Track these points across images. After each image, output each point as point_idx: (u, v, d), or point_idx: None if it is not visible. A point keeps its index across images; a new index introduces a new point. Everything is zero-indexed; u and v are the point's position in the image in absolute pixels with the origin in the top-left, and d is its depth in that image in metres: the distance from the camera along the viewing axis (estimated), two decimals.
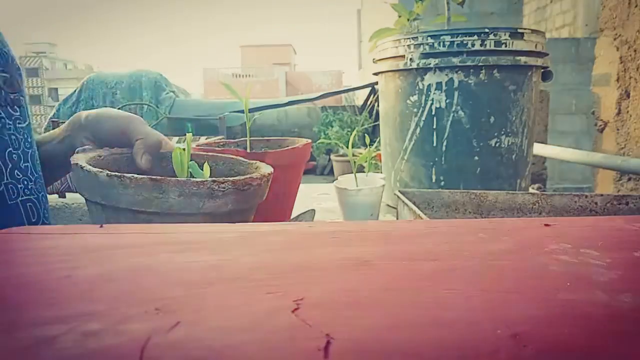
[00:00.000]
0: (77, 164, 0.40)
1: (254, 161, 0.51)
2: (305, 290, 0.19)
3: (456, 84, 0.73)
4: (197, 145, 0.62)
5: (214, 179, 0.39)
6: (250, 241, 0.27)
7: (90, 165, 0.40)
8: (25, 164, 0.51)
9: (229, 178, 0.40)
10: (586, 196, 0.58)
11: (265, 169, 0.47)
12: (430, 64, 0.73)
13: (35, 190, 0.49)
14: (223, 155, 0.54)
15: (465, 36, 0.72)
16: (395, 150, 0.82)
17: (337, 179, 0.73)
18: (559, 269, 0.22)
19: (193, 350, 0.14)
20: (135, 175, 0.37)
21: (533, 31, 0.74)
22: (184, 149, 0.46)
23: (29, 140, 0.54)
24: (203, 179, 0.39)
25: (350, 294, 0.19)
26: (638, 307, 0.18)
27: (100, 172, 0.38)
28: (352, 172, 0.73)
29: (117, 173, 0.38)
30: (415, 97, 0.76)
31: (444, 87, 0.74)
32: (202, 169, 0.47)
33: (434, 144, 0.76)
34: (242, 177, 0.41)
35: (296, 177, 0.63)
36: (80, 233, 0.28)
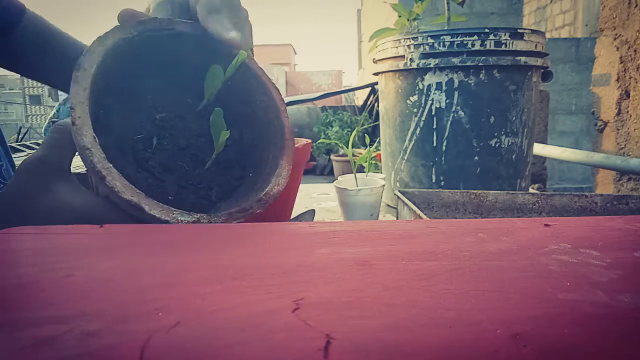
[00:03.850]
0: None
1: None
2: (305, 290, 0.19)
3: (456, 84, 0.73)
4: None
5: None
6: (250, 241, 0.27)
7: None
8: None
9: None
10: (586, 196, 0.58)
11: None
12: (430, 64, 0.73)
13: None
14: None
15: (465, 36, 0.72)
16: (395, 150, 0.82)
17: (337, 179, 0.73)
18: (559, 269, 0.22)
19: (193, 350, 0.14)
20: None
21: (533, 31, 0.74)
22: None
23: None
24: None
25: (350, 294, 0.19)
26: (638, 307, 0.18)
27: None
28: (352, 172, 0.73)
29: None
30: (415, 97, 0.76)
31: (444, 87, 0.74)
32: None
33: (434, 144, 0.76)
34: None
35: (296, 177, 0.63)
36: (80, 233, 0.28)
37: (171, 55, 0.44)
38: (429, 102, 0.75)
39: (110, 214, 0.35)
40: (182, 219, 0.35)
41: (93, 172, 0.33)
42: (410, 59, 0.75)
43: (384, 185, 0.69)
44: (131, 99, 0.43)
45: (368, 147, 0.78)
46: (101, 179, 0.33)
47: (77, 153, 0.38)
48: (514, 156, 0.76)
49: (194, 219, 0.35)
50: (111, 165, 0.34)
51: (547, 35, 4.75)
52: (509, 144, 0.75)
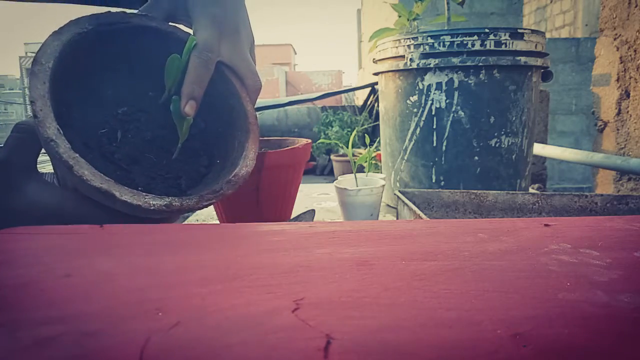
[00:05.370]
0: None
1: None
2: (305, 290, 0.19)
3: (456, 84, 0.73)
4: None
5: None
6: (250, 241, 0.27)
7: None
8: None
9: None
10: (586, 196, 0.58)
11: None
12: (430, 64, 0.73)
13: None
14: None
15: (465, 36, 0.72)
16: (395, 150, 0.82)
17: (337, 179, 0.73)
18: (559, 269, 0.22)
19: (193, 350, 0.14)
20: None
21: (533, 31, 0.74)
22: None
23: None
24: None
25: (350, 294, 0.19)
26: (638, 307, 0.18)
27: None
28: (352, 172, 0.73)
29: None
30: (415, 97, 0.76)
31: (444, 87, 0.74)
32: None
33: (434, 144, 0.76)
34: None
35: (296, 177, 0.63)
36: (80, 233, 0.28)
37: (129, 49, 0.44)
38: (429, 102, 0.75)
39: (82, 207, 0.35)
40: (153, 202, 0.35)
41: (60, 163, 0.33)
42: (410, 59, 0.75)
43: (384, 185, 0.69)
44: (91, 95, 0.43)
45: (368, 147, 0.78)
46: (69, 169, 0.33)
47: (42, 150, 0.38)
48: (514, 156, 0.76)
49: (165, 202, 0.36)
50: (77, 155, 0.33)
51: (547, 35, 4.75)
52: (509, 144, 0.75)
